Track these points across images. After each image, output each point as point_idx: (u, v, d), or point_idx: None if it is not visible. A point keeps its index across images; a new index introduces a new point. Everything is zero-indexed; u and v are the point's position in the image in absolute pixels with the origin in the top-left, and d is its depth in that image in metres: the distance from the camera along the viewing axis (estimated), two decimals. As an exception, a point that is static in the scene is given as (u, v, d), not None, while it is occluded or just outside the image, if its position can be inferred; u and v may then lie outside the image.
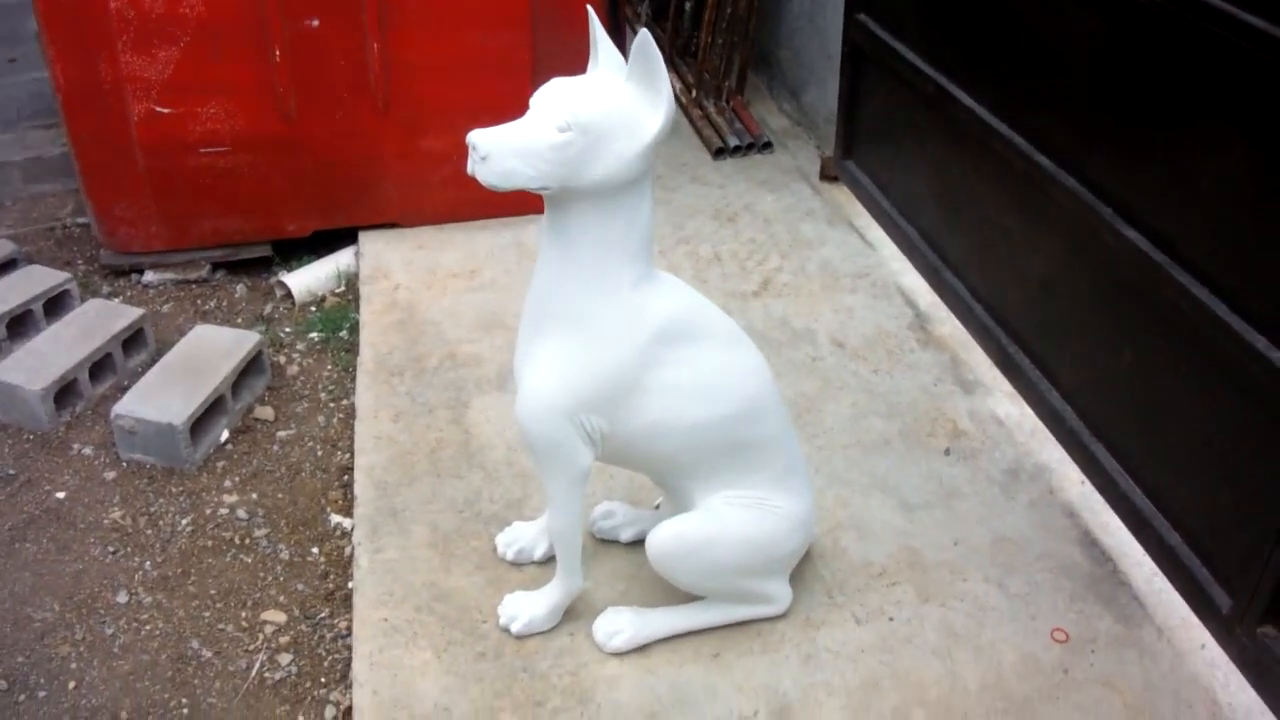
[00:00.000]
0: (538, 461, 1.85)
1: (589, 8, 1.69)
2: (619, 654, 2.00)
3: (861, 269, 3.12)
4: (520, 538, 2.18)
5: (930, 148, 2.89)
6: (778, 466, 1.92)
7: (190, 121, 2.85)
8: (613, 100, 1.61)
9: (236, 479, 2.48)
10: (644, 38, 1.58)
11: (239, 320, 3.02)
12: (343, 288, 3.12)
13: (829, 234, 3.29)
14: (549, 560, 2.17)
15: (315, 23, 2.78)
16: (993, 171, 2.61)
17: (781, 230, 3.30)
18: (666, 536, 1.90)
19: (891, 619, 2.09)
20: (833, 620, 2.08)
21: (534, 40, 2.93)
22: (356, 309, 2.99)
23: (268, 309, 3.06)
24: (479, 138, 1.57)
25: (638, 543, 2.21)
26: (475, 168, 1.59)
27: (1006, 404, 2.61)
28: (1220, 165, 1.93)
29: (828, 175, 3.47)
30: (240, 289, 3.14)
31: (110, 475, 2.48)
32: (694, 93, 3.82)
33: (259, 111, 2.86)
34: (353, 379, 2.76)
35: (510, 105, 2.95)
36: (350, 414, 2.67)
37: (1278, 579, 1.84)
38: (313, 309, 3.05)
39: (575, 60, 3.00)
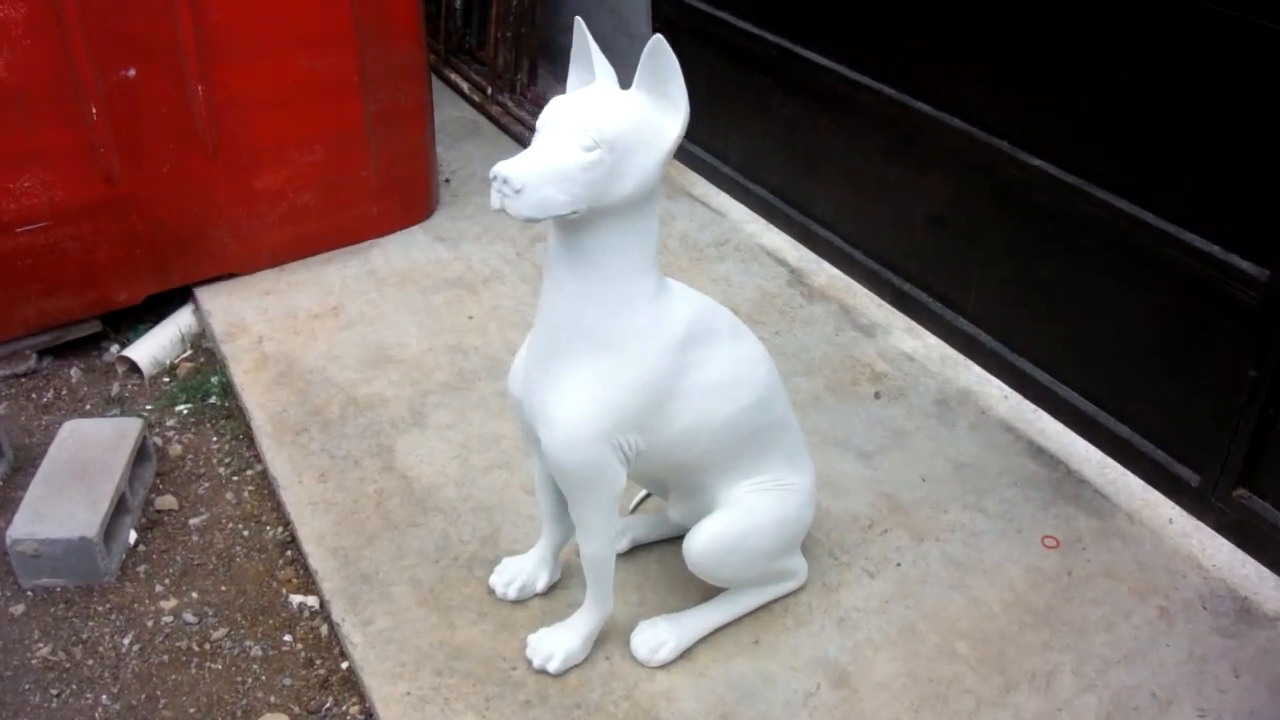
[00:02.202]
0: (573, 491, 1.74)
1: (578, 19, 1.58)
2: (665, 666, 1.94)
3: (720, 237, 3.14)
4: (518, 573, 2.06)
5: (776, 109, 2.95)
6: (787, 444, 1.91)
7: (2, 200, 2.47)
8: (632, 111, 1.53)
9: (166, 581, 2.19)
10: (658, 42, 1.51)
11: (87, 408, 2.65)
12: (190, 351, 2.81)
13: (675, 208, 3.29)
14: (551, 589, 2.08)
15: (132, 72, 2.46)
16: (858, 124, 2.70)
17: (630, 212, 3.25)
18: (705, 541, 1.85)
19: (899, 564, 2.14)
20: (847, 580, 2.11)
21: (361, 62, 2.74)
22: (219, 372, 2.70)
23: (114, 389, 2.71)
24: (511, 169, 1.44)
25: (636, 549, 2.16)
26: (507, 202, 1.46)
27: (909, 339, 2.73)
28: (1113, 83, 2.09)
29: (652, 151, 3.46)
30: (75, 373, 2.76)
31: (18, 609, 2.13)
32: (489, 90, 3.70)
33: (79, 177, 2.52)
34: (248, 447, 2.50)
35: (344, 129, 2.83)
36: (261, 484, 2.42)
37: (1248, 446, 2.04)
38: (166, 380, 2.72)
39: (404, 78, 2.89)
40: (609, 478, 1.73)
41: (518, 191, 1.45)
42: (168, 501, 2.37)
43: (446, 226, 3.17)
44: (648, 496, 2.26)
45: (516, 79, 3.66)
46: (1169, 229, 2.06)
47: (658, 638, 1.94)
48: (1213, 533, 2.17)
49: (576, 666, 1.93)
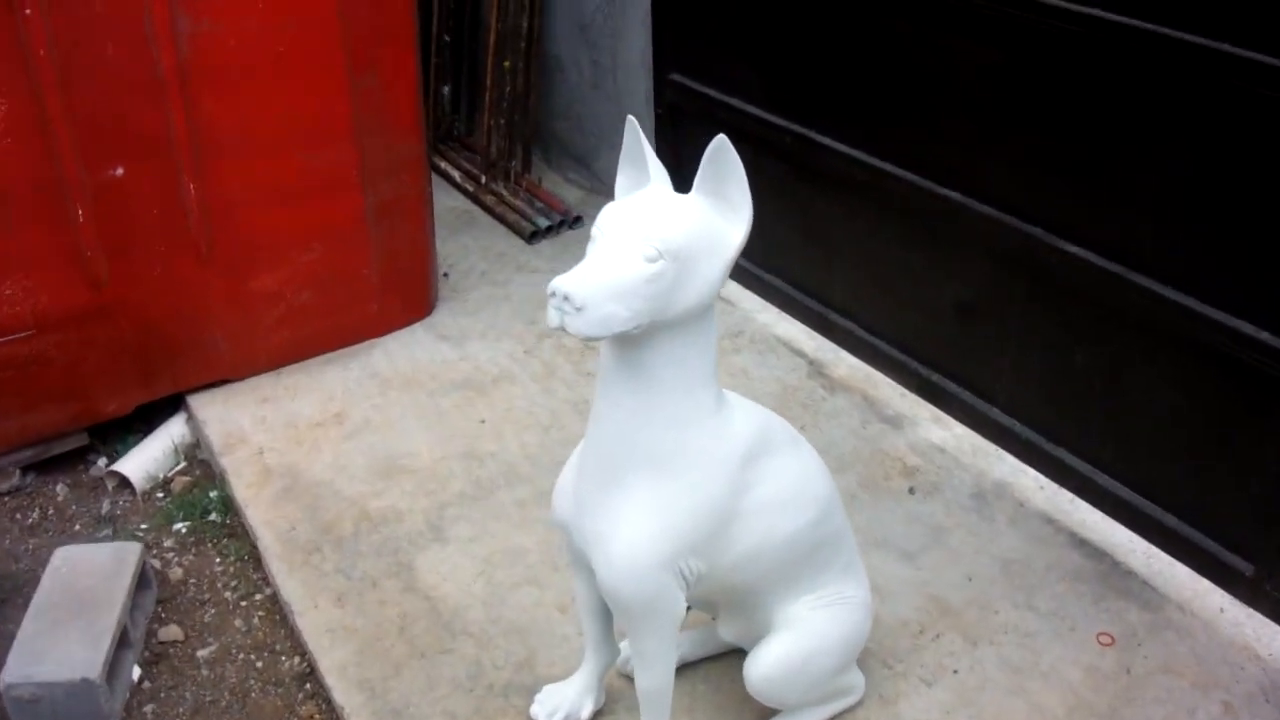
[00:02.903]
0: (634, 621, 1.63)
1: (630, 117, 1.51)
2: (726, 797, 1.84)
3: (733, 328, 3.07)
4: (560, 702, 1.93)
5: (790, 196, 2.90)
6: (845, 555, 1.82)
7: (-17, 308, 2.33)
8: (694, 218, 1.44)
9: (177, 725, 2.05)
10: (721, 143, 1.43)
11: (76, 528, 2.50)
12: (184, 463, 2.67)
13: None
14: (596, 716, 1.96)
15: (120, 171, 2.34)
16: (878, 210, 2.66)
17: (633, 302, 3.19)
18: (769, 666, 1.75)
19: (955, 671, 2.05)
20: (904, 690, 2.01)
21: (361, 156, 2.65)
22: (218, 486, 2.57)
23: (105, 507, 2.56)
24: (573, 286, 1.35)
25: (681, 668, 2.02)
26: (567, 320, 1.36)
27: (937, 430, 2.66)
28: (1156, 167, 2.06)
29: (652, 238, 3.40)
30: (62, 490, 2.60)
31: (12, 765, 1.97)
32: (482, 179, 3.62)
33: (65, 283, 2.39)
34: (255, 569, 2.37)
35: (343, 226, 2.73)
36: (272, 609, 2.28)
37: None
38: (160, 496, 2.58)
39: (404, 171, 2.81)
40: (670, 606, 1.63)
41: (579, 309, 1.37)
42: (172, 632, 2.22)
43: (449, 324, 3.07)
44: (688, 610, 2.16)
45: (510, 167, 3.60)
46: (1216, 315, 2.03)
47: (719, 767, 1.84)
48: (1265, 620, 2.11)
49: (633, 802, 1.83)
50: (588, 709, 1.95)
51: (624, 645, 2.01)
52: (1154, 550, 2.28)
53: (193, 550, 2.44)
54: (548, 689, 1.98)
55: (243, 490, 2.48)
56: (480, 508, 2.43)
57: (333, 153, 2.61)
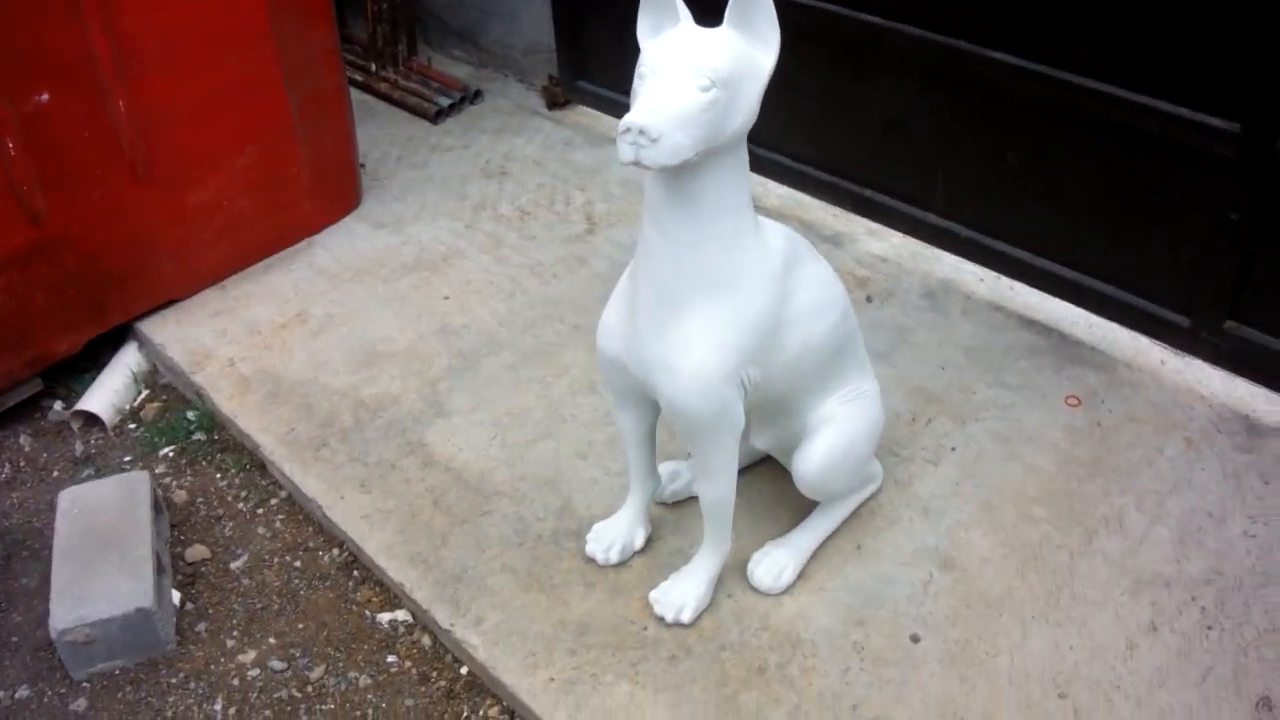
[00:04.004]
0: (702, 436, 1.75)
1: None
2: (788, 590, 2.00)
3: (653, 175, 3.14)
4: (615, 536, 2.05)
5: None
6: (860, 352, 1.98)
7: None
8: (734, 48, 1.52)
9: (235, 634, 2.06)
10: None
11: (55, 475, 2.42)
12: (148, 390, 2.60)
13: (603, 155, 3.26)
14: (647, 544, 2.08)
15: (45, 97, 2.21)
16: (802, 41, 2.72)
17: (557, 166, 3.22)
18: (820, 459, 1.89)
19: (954, 449, 2.26)
20: (915, 473, 2.21)
21: (282, 52, 2.56)
22: (195, 405, 2.53)
23: (78, 449, 2.48)
24: (647, 119, 1.42)
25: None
26: (643, 153, 1.43)
27: (876, 242, 2.83)
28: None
29: (557, 103, 3.41)
30: (26, 441, 2.51)
31: (79, 705, 1.95)
32: (372, 68, 3.53)
33: (2, 222, 2.26)
34: (261, 476, 2.37)
35: (272, 127, 2.71)
36: (291, 511, 2.29)
37: (1234, 283, 2.26)
38: (133, 427, 2.52)
39: (322, 64, 2.73)
40: (734, 416, 1.75)
41: (654, 140, 1.43)
42: (198, 552, 2.21)
43: (380, 212, 3.04)
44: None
45: (397, 52, 3.51)
46: (1140, 99, 2.23)
47: (778, 564, 1.99)
48: (1202, 365, 2.39)
49: (705, 611, 1.96)
50: (640, 538, 2.07)
51: (665, 469, 2.14)
52: (1095, 319, 2.53)
53: (188, 472, 2.41)
54: (598, 527, 2.09)
55: (226, 403, 2.45)
56: (471, 378, 2.48)
57: (255, 53, 2.53)
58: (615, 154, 3.09)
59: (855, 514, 2.11)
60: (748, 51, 1.55)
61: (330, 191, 2.91)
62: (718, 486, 1.84)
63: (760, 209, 2.95)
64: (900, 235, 2.81)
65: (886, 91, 2.66)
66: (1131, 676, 1.83)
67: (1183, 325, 2.38)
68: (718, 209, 1.61)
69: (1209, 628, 1.90)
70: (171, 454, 2.46)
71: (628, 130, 1.44)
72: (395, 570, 2.08)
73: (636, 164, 1.46)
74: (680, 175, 1.55)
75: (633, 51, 3.22)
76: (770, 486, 2.15)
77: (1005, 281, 2.66)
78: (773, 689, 1.83)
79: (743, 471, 2.20)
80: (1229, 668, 1.84)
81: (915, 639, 1.92)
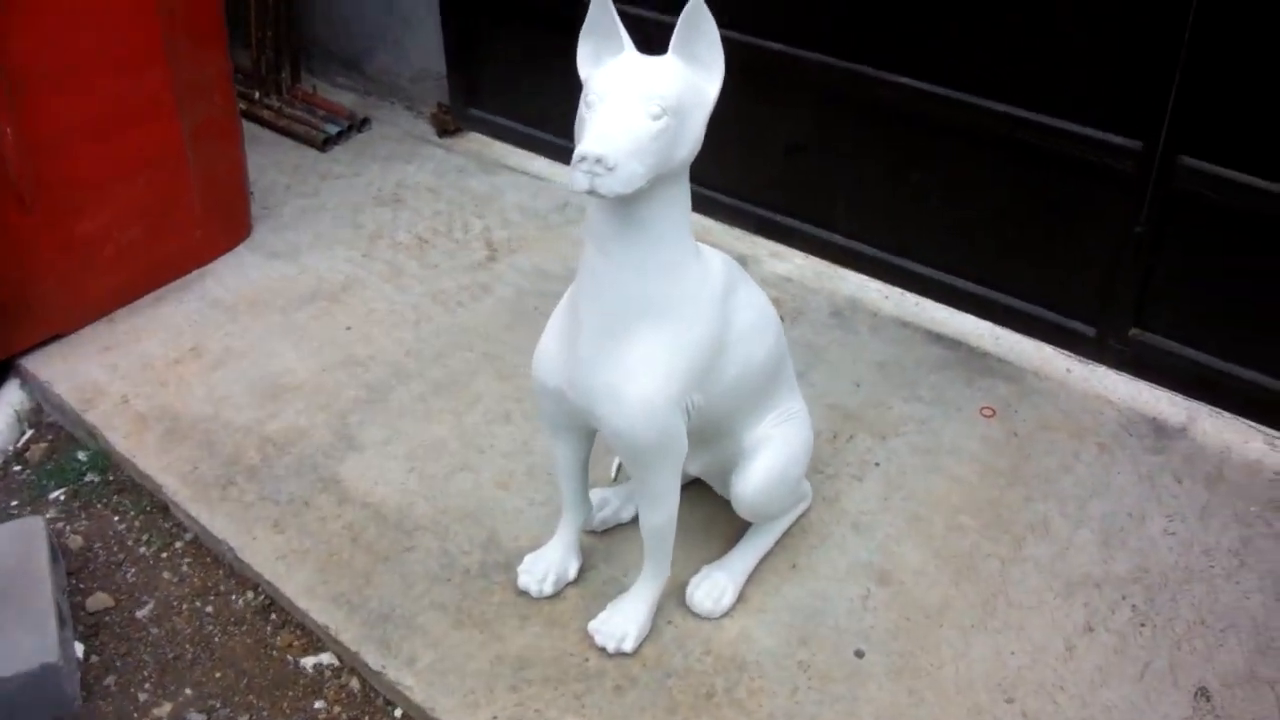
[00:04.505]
0: (647, 462, 1.72)
1: None
2: (728, 613, 1.96)
3: (556, 202, 3.11)
4: (548, 566, 1.98)
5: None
6: (788, 374, 1.97)
7: None
8: (681, 74, 1.52)
9: (147, 687, 1.91)
10: (696, 5, 1.51)
11: (-68, 527, 2.23)
12: (32, 430, 2.43)
13: (499, 182, 3.21)
14: (580, 575, 2.02)
15: (-74, 122, 2.05)
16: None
17: (453, 193, 3.15)
18: (757, 482, 1.88)
19: (877, 464, 2.27)
20: (841, 489, 2.21)
21: (174, 77, 2.44)
22: (87, 445, 2.36)
23: (-42, 496, 2.29)
24: (604, 147, 1.40)
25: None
26: (598, 182, 1.41)
27: (779, 263, 2.85)
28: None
29: (447, 130, 3.35)
30: (-101, 491, 2.30)
31: (-23, 774, 1.78)
32: (256, 95, 3.40)
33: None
34: (164, 518, 2.22)
35: (164, 153, 2.60)
36: (198, 554, 2.16)
37: (1138, 292, 2.34)
38: (17, 470, 2.34)
39: (214, 89, 2.63)
40: (679, 442, 1.72)
41: (611, 170, 1.41)
42: (100, 600, 2.06)
43: (273, 241, 2.92)
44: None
45: (281, 79, 3.40)
46: (1044, 120, 2.32)
47: (717, 587, 1.96)
48: (1107, 371, 2.47)
49: (646, 639, 1.91)
50: (573, 568, 2.02)
51: (594, 496, 2.08)
52: (1001, 331, 2.59)
53: (82, 515, 2.25)
54: (529, 559, 2.02)
55: (122, 442, 2.30)
56: (381, 410, 2.39)
57: (147, 76, 2.42)
58: (506, 184, 3.11)
59: (788, 533, 2.09)
60: (694, 79, 1.55)
61: (222, 220, 2.78)
62: (661, 512, 1.81)
63: (664, 233, 2.98)
64: (804, 256, 2.84)
65: (789, 116, 2.69)
66: (1074, 677, 1.86)
67: (1089, 335, 2.46)
68: (663, 235, 1.59)
69: (1141, 624, 1.94)
70: (63, 497, 2.29)
71: (583, 159, 1.41)
72: (318, 612, 1.97)
73: (591, 192, 1.43)
74: (627, 202, 1.52)
75: (525, 79, 3.23)
76: (701, 510, 2.11)
77: (910, 298, 2.70)
78: (723, 714, 1.80)
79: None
80: (1165, 662, 1.88)
81: (859, 654, 1.90)
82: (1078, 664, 1.88)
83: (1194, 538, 2.11)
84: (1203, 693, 1.85)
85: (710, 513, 2.10)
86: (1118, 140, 2.24)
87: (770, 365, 1.85)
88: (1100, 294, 2.41)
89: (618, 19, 1.55)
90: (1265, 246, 2.17)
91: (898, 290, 2.72)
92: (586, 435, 1.88)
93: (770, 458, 1.90)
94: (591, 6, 1.55)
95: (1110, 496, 2.19)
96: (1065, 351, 2.51)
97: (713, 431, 1.89)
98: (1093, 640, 1.92)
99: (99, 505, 2.28)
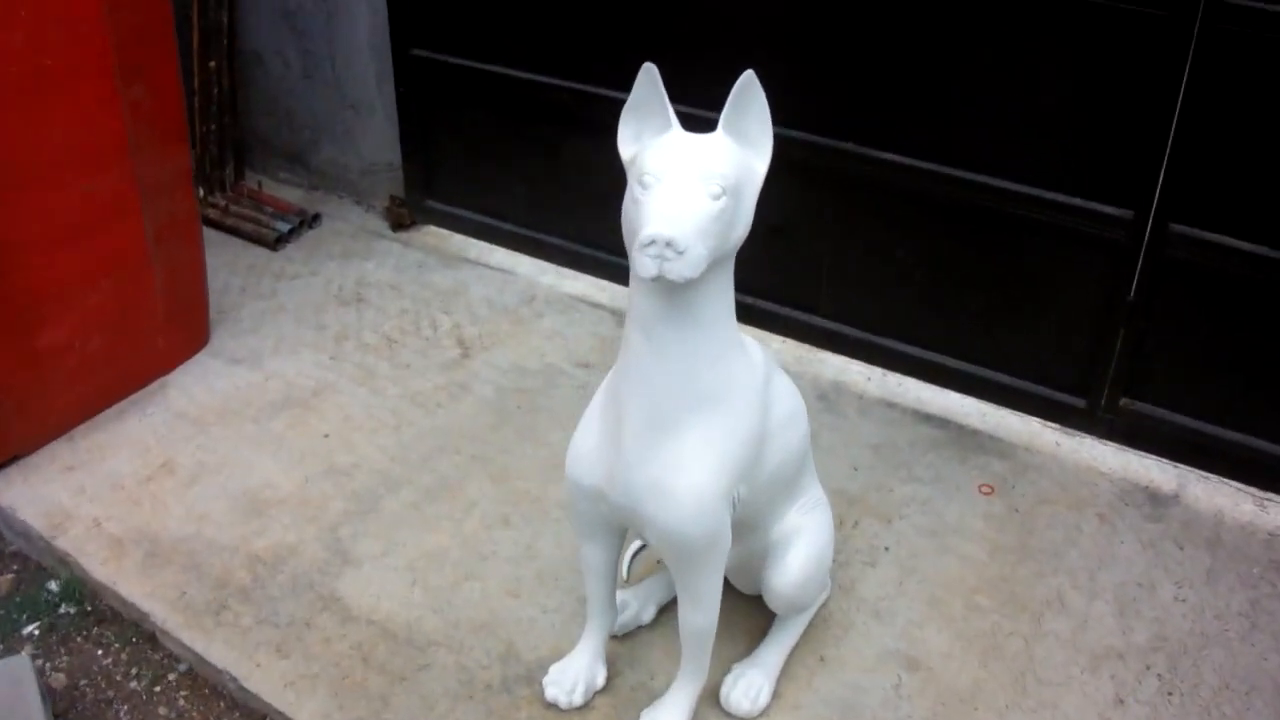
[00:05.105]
0: (693, 560, 1.66)
1: (648, 65, 1.49)
2: (764, 712, 1.91)
3: (524, 294, 3.07)
4: (576, 676, 1.90)
5: (569, 155, 2.95)
6: (811, 461, 1.96)
7: None
8: (734, 151, 1.49)
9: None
10: (750, 79, 1.48)
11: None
12: (-4, 563, 2.25)
13: (463, 276, 3.16)
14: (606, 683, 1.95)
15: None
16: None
17: (416, 289, 3.08)
18: (795, 573, 1.84)
19: (887, 548, 2.26)
20: (855, 576, 2.19)
21: (138, 175, 2.33)
22: (58, 574, 2.20)
23: (-81, 639, 2.10)
24: (674, 229, 1.36)
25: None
26: (667, 266, 1.37)
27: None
28: (959, 71, 2.38)
29: (402, 224, 3.28)
30: None
31: None
32: (201, 193, 3.26)
33: None
34: (152, 648, 2.08)
35: (128, 256, 2.55)
36: (195, 685, 2.01)
37: (1131, 361, 2.40)
38: (-16, 608, 2.16)
39: (176, 187, 2.54)
40: (726, 538, 1.68)
41: (681, 254, 1.37)
42: (92, 744, 1.91)
43: (234, 346, 2.80)
44: (642, 549, 2.18)
45: (225, 176, 3.30)
46: (1033, 192, 2.38)
47: (753, 685, 1.91)
48: (1095, 442, 2.52)
49: (689, 746, 1.86)
50: (601, 675, 1.94)
51: (622, 596, 2.03)
52: (987, 407, 2.62)
53: (62, 651, 2.09)
54: (556, 668, 1.94)
55: (99, 569, 2.15)
56: (374, 521, 2.29)
57: (111, 176, 2.30)
58: (470, 278, 3.06)
59: (810, 625, 2.05)
60: (745, 157, 1.52)
61: (182, 327, 2.66)
62: (704, 613, 1.75)
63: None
64: (784, 340, 2.84)
65: (769, 196, 2.67)
66: (1115, 754, 1.86)
67: (1079, 406, 2.50)
68: (712, 322, 1.55)
69: (1169, 693, 1.95)
70: (37, 632, 2.12)
71: (652, 243, 1.36)
72: (335, 744, 1.86)
73: (658, 278, 1.39)
74: (678, 289, 1.48)
75: (484, 169, 3.20)
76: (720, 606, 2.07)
77: (893, 378, 2.72)
78: (776, 819, 1.75)
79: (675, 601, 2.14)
80: (1198, 731, 1.90)
81: (902, 746, 1.88)
82: (1117, 739, 1.88)
83: (1204, 603, 2.14)
84: (1240, 759, 1.86)
85: (728, 608, 2.04)
86: (1109, 210, 2.31)
87: (802, 452, 1.83)
88: (1090, 365, 2.46)
89: (665, 96, 1.52)
90: (1253, 309, 2.25)
91: (879, 370, 2.74)
92: (617, 537, 1.82)
93: (805, 547, 1.86)
94: (638, 82, 1.52)
95: (1118, 567, 2.22)
96: (1054, 424, 2.55)
97: (748, 525, 1.84)
98: (1125, 713, 1.92)
99: (79, 639, 2.12)
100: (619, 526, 1.79)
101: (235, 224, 3.21)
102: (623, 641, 2.04)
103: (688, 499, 1.60)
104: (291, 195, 3.53)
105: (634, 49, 2.68)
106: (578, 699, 1.90)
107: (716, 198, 1.43)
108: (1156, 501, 2.38)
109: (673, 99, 1.49)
